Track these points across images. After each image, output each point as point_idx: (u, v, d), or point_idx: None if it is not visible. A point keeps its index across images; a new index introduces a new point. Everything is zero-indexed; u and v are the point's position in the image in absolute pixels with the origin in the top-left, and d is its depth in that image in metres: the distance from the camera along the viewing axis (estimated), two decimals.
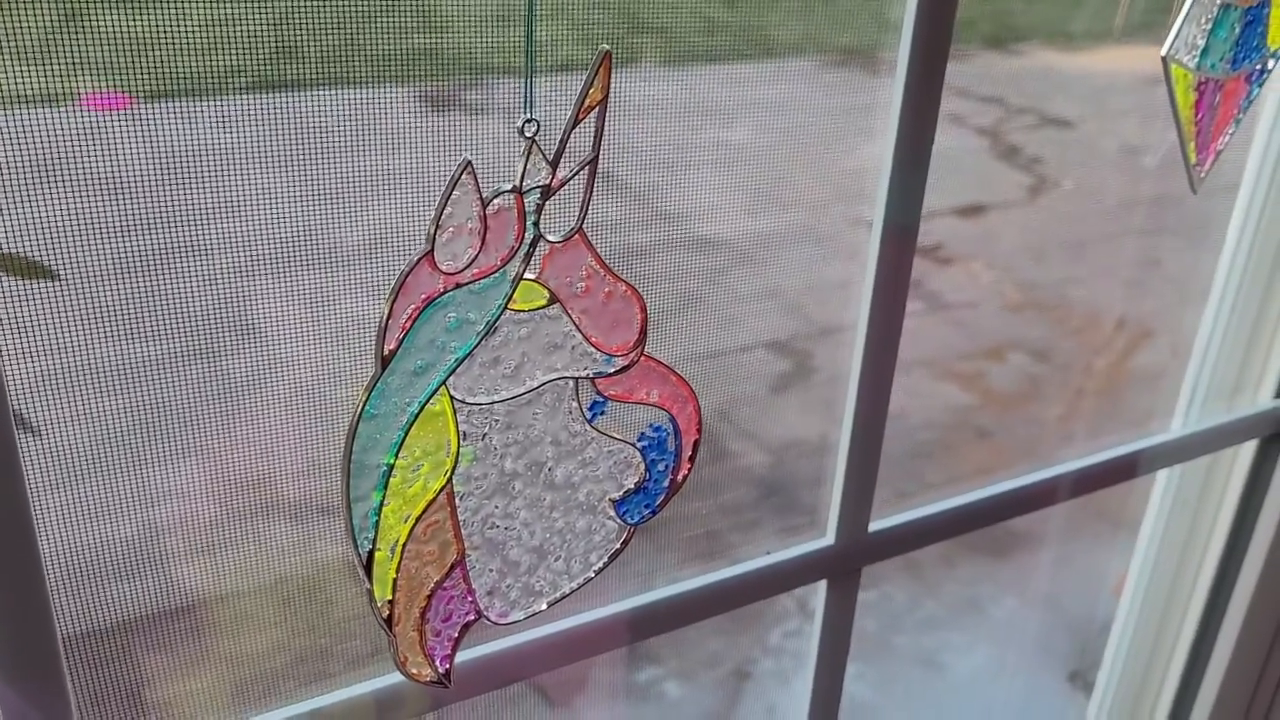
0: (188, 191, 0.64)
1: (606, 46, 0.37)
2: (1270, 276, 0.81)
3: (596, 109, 0.38)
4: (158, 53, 0.56)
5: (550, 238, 0.39)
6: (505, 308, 0.38)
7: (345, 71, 0.68)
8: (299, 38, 0.60)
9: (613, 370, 0.42)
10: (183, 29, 0.57)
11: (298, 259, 0.65)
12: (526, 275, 0.39)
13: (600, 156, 0.39)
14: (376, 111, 0.67)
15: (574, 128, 0.38)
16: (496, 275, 0.38)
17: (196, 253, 0.69)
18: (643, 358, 0.42)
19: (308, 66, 0.62)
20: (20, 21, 0.50)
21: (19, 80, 0.52)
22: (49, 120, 0.53)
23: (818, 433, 2.02)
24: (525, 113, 0.38)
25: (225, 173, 0.62)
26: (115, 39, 0.54)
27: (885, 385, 0.62)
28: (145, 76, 0.57)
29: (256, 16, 0.58)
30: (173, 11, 0.56)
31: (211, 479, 0.76)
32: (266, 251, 0.64)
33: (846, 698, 0.76)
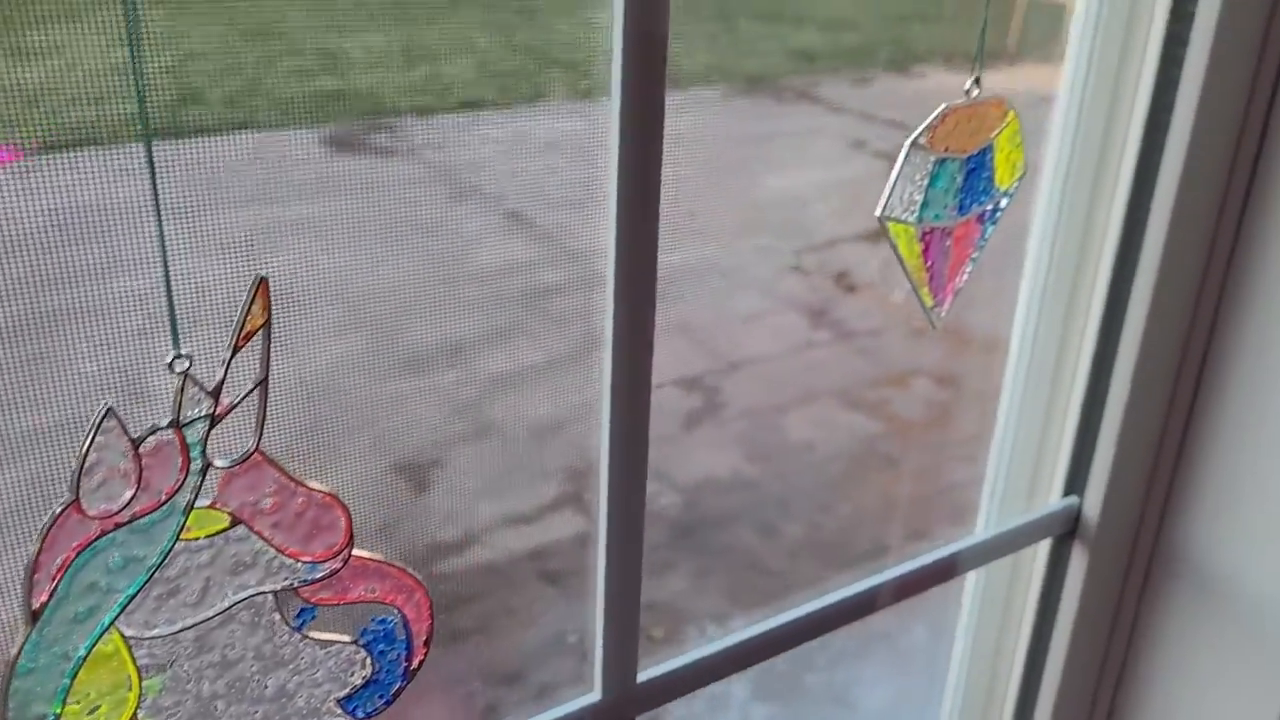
0: (78, 249, 0.62)
1: (263, 274, 0.37)
2: (1055, 372, 0.82)
3: (260, 332, 0.37)
4: (50, 102, 0.54)
5: (220, 463, 0.38)
6: (178, 538, 0.37)
7: (248, 115, 0.66)
8: (199, 82, 0.59)
9: (319, 576, 0.41)
10: (76, 77, 0.55)
11: (199, 315, 0.63)
12: (200, 504, 0.37)
13: (270, 377, 0.38)
14: (282, 155, 0.65)
15: (234, 356, 0.37)
16: (164, 509, 0.37)
17: (87, 314, 0.67)
18: (354, 558, 0.42)
19: (210, 111, 0.61)
20: None
21: None
22: None
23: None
24: (174, 349, 0.37)
25: (120, 227, 0.60)
26: (3, 90, 0.52)
27: (636, 530, 0.59)
28: (36, 127, 0.55)
29: (155, 61, 0.56)
30: (65, 61, 0.54)
31: None
32: (163, 310, 0.62)
33: None
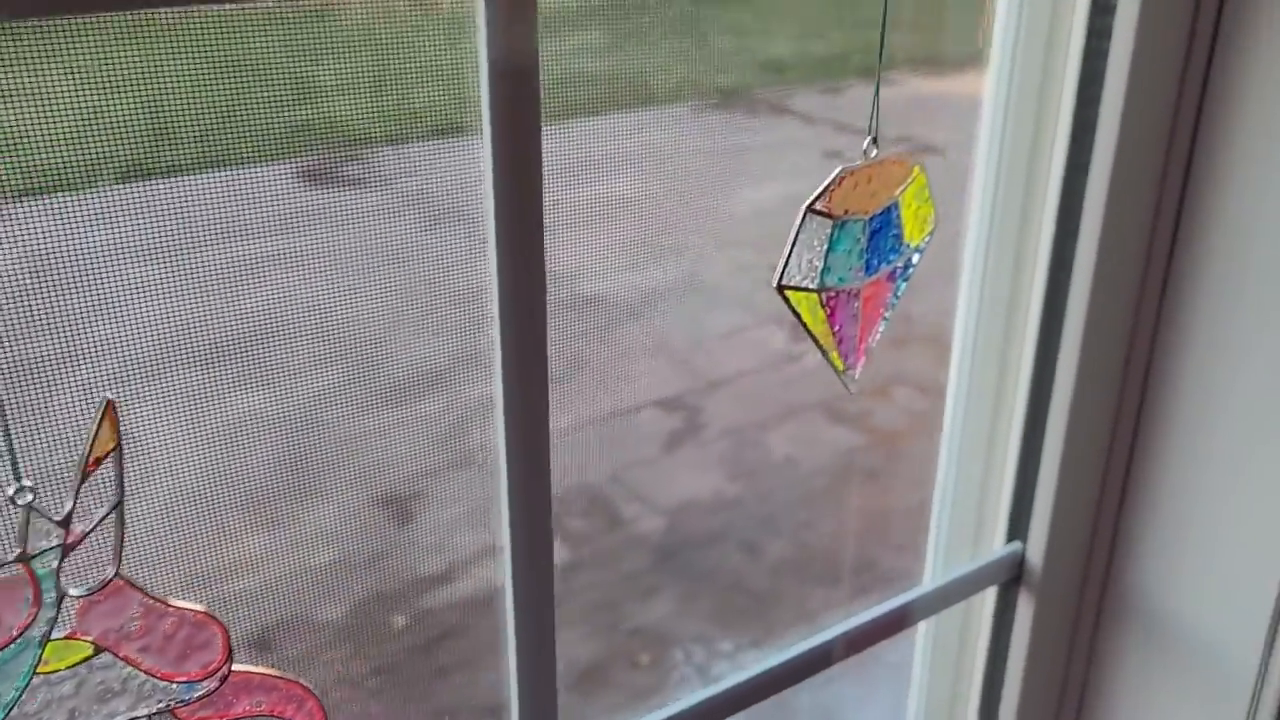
0: (56, 295, 0.61)
1: (110, 396, 0.36)
2: (994, 414, 0.81)
3: (110, 456, 0.37)
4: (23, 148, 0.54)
5: (76, 592, 0.37)
6: (34, 672, 0.37)
7: (218, 152, 0.66)
8: (168, 121, 0.58)
9: (197, 695, 0.40)
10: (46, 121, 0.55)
11: (176, 357, 0.63)
12: (58, 634, 0.37)
13: (125, 499, 0.38)
14: (254, 191, 0.65)
15: (82, 483, 0.36)
16: (17, 644, 0.36)
17: (64, 361, 0.66)
18: (235, 674, 0.41)
19: (180, 150, 0.60)
20: None
21: None
22: None
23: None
24: (14, 482, 0.37)
25: (95, 271, 0.60)
26: None
27: (545, 592, 0.58)
28: (9, 174, 0.55)
29: (124, 104, 0.56)
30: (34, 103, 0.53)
31: None
32: (142, 353, 0.62)
33: None
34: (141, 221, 0.60)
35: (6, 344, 0.51)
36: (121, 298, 0.58)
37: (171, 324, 0.61)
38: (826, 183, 0.59)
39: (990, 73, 0.78)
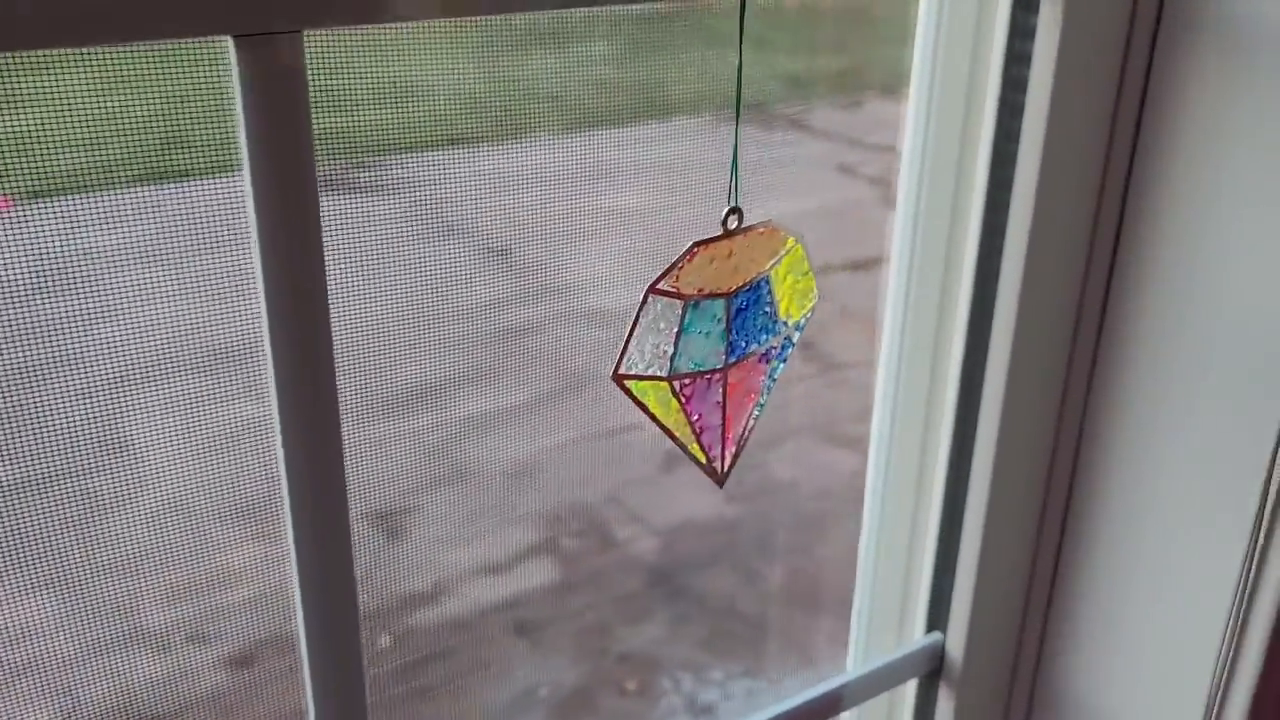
0: (60, 297, 0.63)
1: None
2: (916, 486, 0.76)
3: None
4: (39, 150, 0.54)
5: None
6: None
7: (229, 158, 0.66)
8: (183, 125, 0.59)
9: None
10: (65, 125, 0.56)
11: (178, 363, 0.64)
12: None
13: None
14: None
15: None
16: None
17: (65, 364, 0.67)
18: None
19: (194, 154, 0.61)
20: None
21: None
22: None
23: None
24: None
25: (102, 274, 0.61)
26: None
27: (351, 651, 0.54)
28: (25, 176, 0.57)
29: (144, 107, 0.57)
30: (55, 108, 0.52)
31: (72, 610, 0.75)
32: (143, 357, 0.63)
33: None
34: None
35: None
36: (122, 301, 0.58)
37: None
38: (676, 260, 0.55)
39: (911, 93, 0.73)
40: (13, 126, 0.56)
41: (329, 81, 0.59)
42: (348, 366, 0.62)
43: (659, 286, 0.55)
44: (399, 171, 0.81)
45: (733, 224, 0.57)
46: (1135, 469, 0.67)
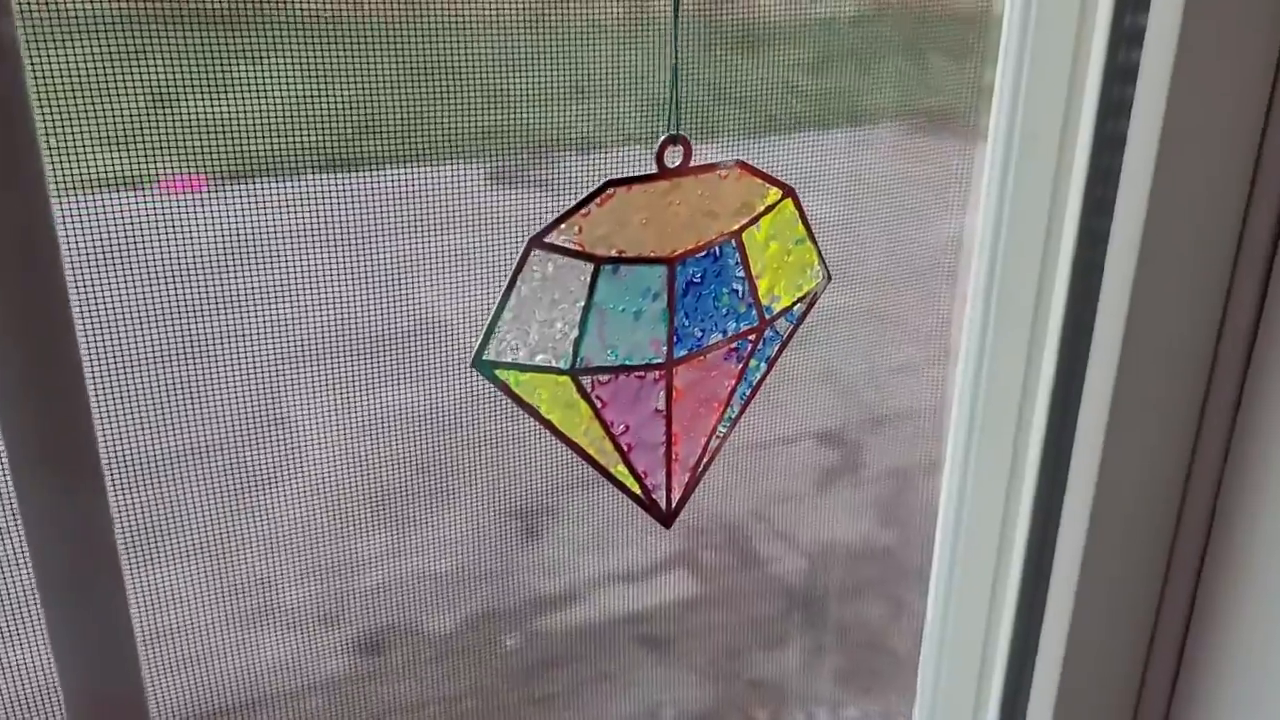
0: (241, 275, 0.67)
1: None
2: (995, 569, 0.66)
3: None
4: (236, 134, 0.58)
5: None
6: None
7: (414, 149, 0.70)
8: (370, 116, 0.63)
9: None
10: (259, 110, 0.60)
11: (342, 346, 0.67)
12: None
13: None
14: (445, 189, 0.67)
15: None
16: None
17: (236, 339, 0.70)
18: None
19: (379, 144, 0.64)
20: (111, 107, 0.53)
21: (107, 164, 0.56)
22: (124, 204, 0.56)
23: None
24: None
25: (283, 255, 0.65)
26: (196, 122, 0.58)
27: None
28: (222, 158, 0.61)
29: (333, 96, 0.61)
30: (252, 93, 0.56)
31: (221, 580, 0.77)
32: (310, 338, 0.66)
33: None
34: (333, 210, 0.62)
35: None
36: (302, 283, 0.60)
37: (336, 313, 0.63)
38: (582, 201, 0.38)
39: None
40: (215, 110, 0.58)
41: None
42: None
43: (547, 239, 0.39)
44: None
45: (672, 159, 0.40)
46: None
